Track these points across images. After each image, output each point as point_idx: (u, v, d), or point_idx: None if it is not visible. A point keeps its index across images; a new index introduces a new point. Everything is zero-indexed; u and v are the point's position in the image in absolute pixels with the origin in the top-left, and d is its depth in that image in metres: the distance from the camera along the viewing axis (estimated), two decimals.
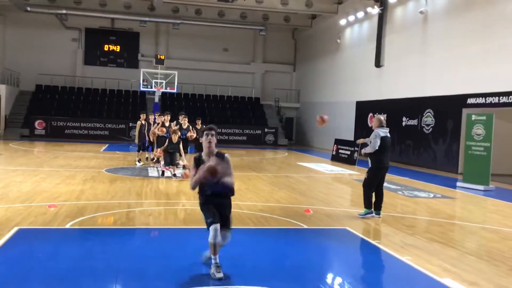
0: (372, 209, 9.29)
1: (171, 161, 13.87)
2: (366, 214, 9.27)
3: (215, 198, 5.58)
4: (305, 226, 8.45)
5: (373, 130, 9.39)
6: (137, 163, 17.04)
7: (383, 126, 9.36)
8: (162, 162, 15.18)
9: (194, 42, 35.67)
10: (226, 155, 5.65)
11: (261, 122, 34.00)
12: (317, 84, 33.24)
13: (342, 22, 28.62)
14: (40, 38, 33.83)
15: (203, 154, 5.61)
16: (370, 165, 9.37)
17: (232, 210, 5.81)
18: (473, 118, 14.58)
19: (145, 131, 17.23)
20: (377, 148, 9.15)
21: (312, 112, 33.71)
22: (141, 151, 17.32)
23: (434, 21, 20.89)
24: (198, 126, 18.13)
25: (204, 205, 5.66)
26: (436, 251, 7.09)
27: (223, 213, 5.63)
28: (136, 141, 17.45)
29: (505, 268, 6.43)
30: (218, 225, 5.47)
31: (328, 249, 7.43)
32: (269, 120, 34.63)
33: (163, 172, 14.16)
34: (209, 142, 5.55)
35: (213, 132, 5.56)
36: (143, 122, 17.24)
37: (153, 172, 15.18)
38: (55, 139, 28.00)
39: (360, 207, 9.67)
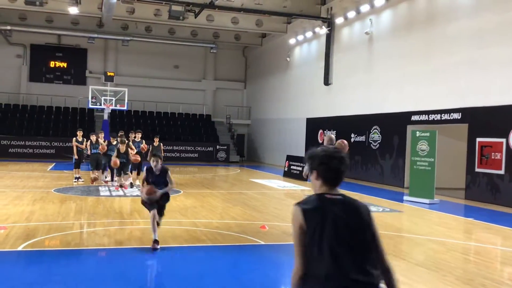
0: None
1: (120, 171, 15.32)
2: None
3: None
4: (262, 242, 8.58)
5: None
6: (74, 181, 16.77)
7: (333, 145, 9.41)
8: (116, 183, 15.27)
9: (145, 59, 35.42)
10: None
11: (213, 139, 34.05)
12: (268, 101, 33.72)
13: (292, 41, 29.28)
14: None
15: None
16: None
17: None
18: (417, 135, 15.25)
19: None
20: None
21: (263, 128, 34.11)
22: (76, 168, 17.10)
23: (379, 41, 21.77)
24: (156, 144, 17.88)
25: None
26: None
27: None
28: (76, 157, 17.21)
29: (452, 278, 6.78)
30: None
31: (286, 264, 7.57)
32: (221, 137, 34.73)
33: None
34: None
35: None
36: (80, 139, 17.15)
37: (104, 191, 14.92)
38: None
39: None
